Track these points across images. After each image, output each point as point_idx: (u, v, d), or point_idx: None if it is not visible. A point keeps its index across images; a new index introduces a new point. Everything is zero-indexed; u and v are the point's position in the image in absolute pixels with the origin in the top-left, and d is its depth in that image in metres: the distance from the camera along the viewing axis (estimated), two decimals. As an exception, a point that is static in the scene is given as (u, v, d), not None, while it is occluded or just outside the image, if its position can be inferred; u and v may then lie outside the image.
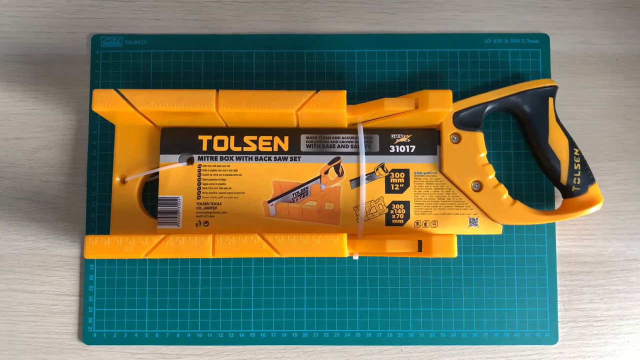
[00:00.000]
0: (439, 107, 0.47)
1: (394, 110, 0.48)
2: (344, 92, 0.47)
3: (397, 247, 0.46)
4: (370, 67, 0.54)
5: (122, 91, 0.46)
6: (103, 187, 0.53)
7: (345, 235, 0.45)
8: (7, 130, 0.53)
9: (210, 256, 0.45)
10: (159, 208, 0.50)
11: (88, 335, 0.51)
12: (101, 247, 0.44)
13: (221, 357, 0.50)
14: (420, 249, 0.46)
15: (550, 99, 0.50)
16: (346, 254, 0.45)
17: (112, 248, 0.44)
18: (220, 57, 0.54)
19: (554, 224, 0.51)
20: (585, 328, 0.48)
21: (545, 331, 0.47)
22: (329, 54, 0.54)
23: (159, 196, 0.50)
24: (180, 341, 0.50)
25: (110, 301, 0.52)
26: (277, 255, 0.45)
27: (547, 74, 0.53)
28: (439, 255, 0.45)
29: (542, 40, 0.52)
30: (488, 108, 0.51)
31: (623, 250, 0.48)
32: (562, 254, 0.49)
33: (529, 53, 0.52)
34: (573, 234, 0.49)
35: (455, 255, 0.45)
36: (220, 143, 0.51)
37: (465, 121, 0.51)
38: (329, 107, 0.47)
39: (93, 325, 0.52)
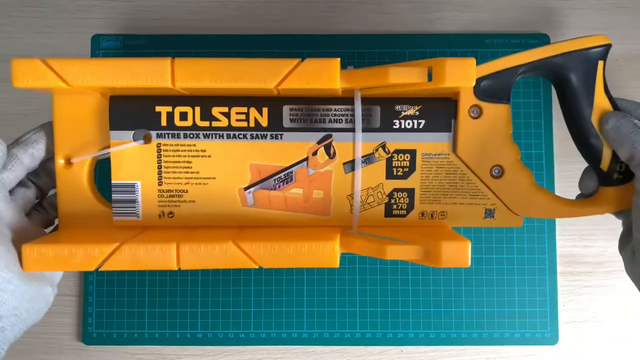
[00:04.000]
0: (458, 81, 0.36)
1: (401, 83, 0.37)
2: (337, 61, 0.36)
3: (398, 254, 0.38)
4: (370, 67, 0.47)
5: (50, 61, 0.36)
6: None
7: (336, 244, 0.37)
8: (8, 130, 0.50)
9: (175, 268, 0.38)
10: (114, 196, 0.42)
11: (88, 335, 0.51)
12: (42, 259, 0.37)
13: (221, 358, 0.50)
14: (426, 257, 0.38)
15: (600, 63, 0.40)
16: (338, 265, 0.38)
17: (55, 260, 0.37)
18: (220, 57, 0.49)
19: (554, 223, 0.48)
20: (586, 329, 0.48)
21: (545, 331, 0.47)
22: (329, 54, 0.44)
23: (112, 182, 0.42)
24: (180, 341, 0.50)
25: (110, 301, 0.53)
26: (255, 267, 0.38)
27: None
28: (450, 265, 0.38)
29: (542, 40, 0.51)
30: (519, 72, 0.40)
31: None
32: (562, 254, 0.49)
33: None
34: (573, 234, 0.49)
35: (469, 264, 0.38)
36: (183, 116, 0.41)
37: (488, 91, 0.41)
38: (318, 82, 0.36)
39: (93, 325, 0.52)
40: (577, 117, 0.41)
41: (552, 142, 0.52)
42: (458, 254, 0.37)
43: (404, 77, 0.37)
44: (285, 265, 0.38)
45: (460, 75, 0.36)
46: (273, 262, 0.37)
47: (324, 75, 0.36)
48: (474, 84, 0.37)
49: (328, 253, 0.37)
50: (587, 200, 0.42)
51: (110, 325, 0.52)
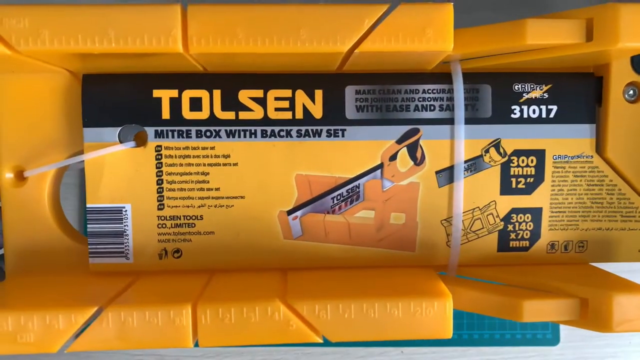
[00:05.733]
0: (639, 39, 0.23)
1: (545, 45, 0.24)
2: (451, 7, 0.23)
3: (543, 313, 0.24)
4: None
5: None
6: None
7: (449, 303, 0.23)
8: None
9: (190, 346, 0.23)
10: (90, 227, 0.28)
11: None
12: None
13: (221, 359, 0.47)
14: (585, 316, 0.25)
15: None
16: (451, 335, 0.24)
17: None
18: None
19: None
20: (587, 330, 0.41)
21: (546, 332, 0.46)
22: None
23: (87, 205, 0.27)
24: None
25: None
26: (319, 341, 0.24)
27: None
28: (623, 331, 0.24)
29: None
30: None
31: None
32: None
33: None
34: None
35: (651, 329, 0.24)
36: (196, 105, 0.27)
37: (655, 60, 0.27)
38: (420, 42, 0.23)
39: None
40: None
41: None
42: (638, 312, 0.24)
43: (549, 35, 0.23)
44: (369, 338, 0.24)
45: (643, 28, 0.23)
46: (348, 333, 0.23)
47: (430, 29, 0.22)
48: None
49: (436, 318, 0.23)
50: None
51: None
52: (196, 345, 0.23)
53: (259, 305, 0.23)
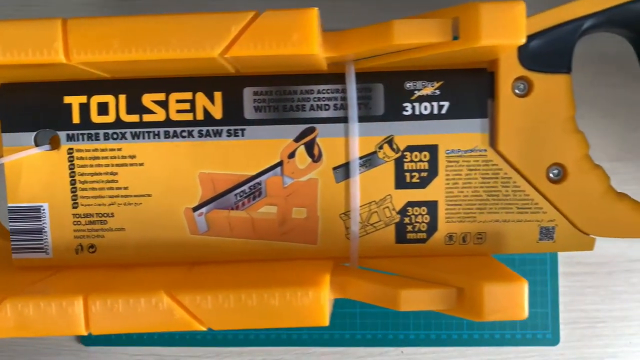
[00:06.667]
0: (500, 36, 0.24)
1: (412, 44, 0.25)
2: (315, 12, 0.24)
3: (417, 302, 0.25)
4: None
5: None
6: None
7: (324, 292, 0.25)
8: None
9: (84, 333, 0.25)
10: (11, 225, 0.30)
11: (86, 336, 0.47)
12: None
13: (220, 359, 0.49)
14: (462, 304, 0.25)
15: None
16: (327, 323, 0.25)
17: None
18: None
19: None
20: (587, 329, 0.48)
21: (546, 332, 0.46)
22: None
23: (8, 205, 0.29)
24: (179, 342, 0.48)
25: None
26: (203, 329, 0.25)
27: None
28: (497, 318, 0.25)
29: None
30: (585, 27, 0.28)
31: (625, 251, 0.46)
32: (563, 254, 0.47)
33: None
34: None
35: (525, 316, 0.25)
36: (103, 109, 0.29)
37: (540, 56, 0.28)
38: (287, 46, 0.24)
39: (90, 327, 0.45)
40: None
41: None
42: (509, 301, 0.25)
43: (415, 34, 0.24)
44: (249, 326, 0.25)
45: (504, 27, 0.24)
46: (228, 321, 0.25)
47: (295, 33, 0.24)
48: (524, 40, 0.24)
49: (311, 306, 0.25)
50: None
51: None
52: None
53: (144, 296, 0.25)
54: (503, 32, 0.24)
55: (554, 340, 0.47)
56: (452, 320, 0.47)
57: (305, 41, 0.24)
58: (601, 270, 0.48)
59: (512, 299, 0.24)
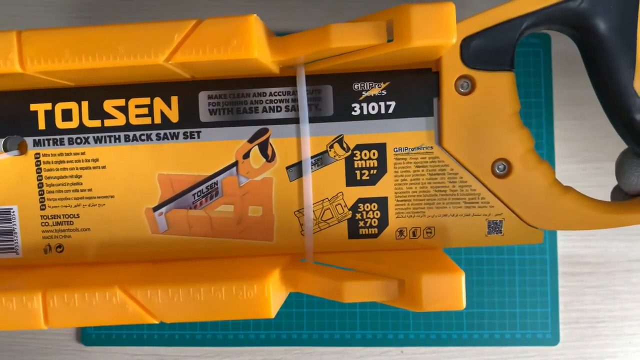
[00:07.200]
0: (431, 37, 0.25)
1: (349, 46, 0.26)
2: (253, 19, 0.25)
3: (360, 294, 0.26)
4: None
5: None
6: None
7: (268, 284, 0.26)
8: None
9: (43, 327, 0.27)
10: (-17, 227, 0.31)
11: (87, 336, 0.49)
12: None
13: (220, 359, 0.49)
14: (404, 296, 0.26)
15: None
16: (272, 315, 0.26)
17: None
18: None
19: None
20: (587, 329, 0.48)
21: (546, 332, 0.46)
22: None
23: (-20, 208, 0.31)
24: (180, 342, 0.48)
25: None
26: (156, 322, 0.26)
27: (548, 75, 0.43)
28: (435, 309, 0.26)
29: (544, 40, 0.45)
30: (525, 26, 0.29)
31: (625, 251, 0.47)
32: (563, 254, 0.48)
33: (530, 52, 0.45)
34: (574, 234, 0.48)
35: (463, 306, 0.26)
36: (67, 115, 0.30)
37: (482, 55, 0.29)
38: (227, 51, 0.25)
39: (91, 326, 0.47)
40: (613, 84, 0.28)
41: (553, 140, 0.46)
42: (446, 292, 0.25)
43: (351, 37, 0.25)
44: (198, 319, 0.26)
45: (434, 28, 0.25)
46: (178, 314, 0.26)
47: (234, 39, 0.25)
48: (454, 40, 0.25)
49: (255, 299, 0.26)
50: (629, 203, 0.30)
51: (109, 326, 0.49)
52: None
53: (99, 291, 0.26)
54: (434, 33, 0.25)
55: (553, 340, 0.46)
56: (452, 320, 0.47)
57: (244, 46, 0.25)
58: (601, 270, 0.48)
59: (450, 289, 0.25)
